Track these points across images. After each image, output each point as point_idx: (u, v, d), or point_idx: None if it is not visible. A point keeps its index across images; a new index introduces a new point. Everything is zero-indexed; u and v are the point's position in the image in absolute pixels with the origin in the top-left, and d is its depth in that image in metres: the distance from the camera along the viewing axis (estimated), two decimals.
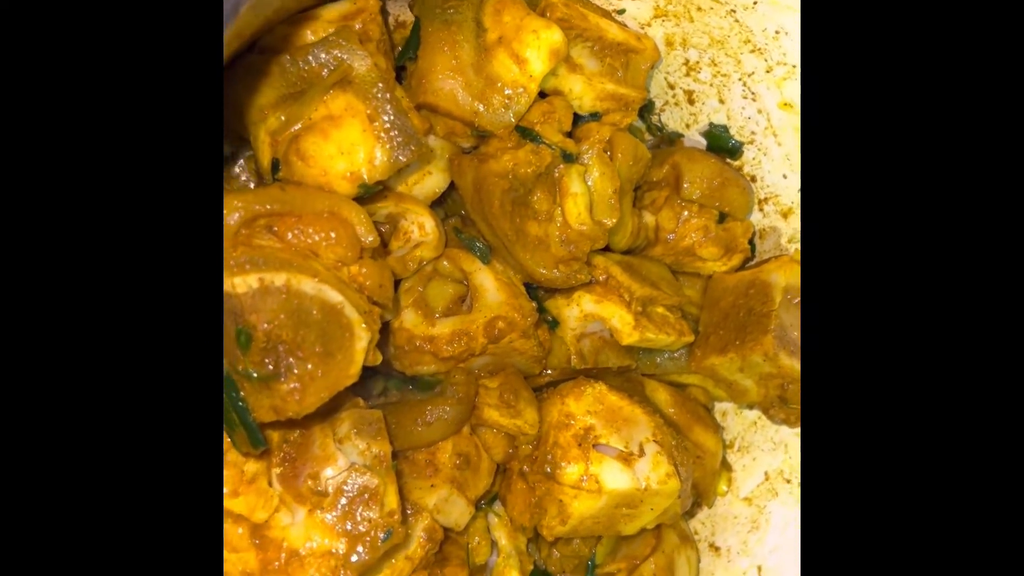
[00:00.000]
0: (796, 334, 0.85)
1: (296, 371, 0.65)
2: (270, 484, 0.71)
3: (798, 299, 0.87)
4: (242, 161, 0.80)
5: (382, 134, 0.70)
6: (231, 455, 0.72)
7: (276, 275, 0.64)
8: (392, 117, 0.70)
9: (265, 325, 0.63)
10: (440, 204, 0.86)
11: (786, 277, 0.87)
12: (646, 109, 0.96)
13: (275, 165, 0.71)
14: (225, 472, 0.71)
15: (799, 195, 0.91)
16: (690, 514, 0.99)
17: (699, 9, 0.82)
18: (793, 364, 0.83)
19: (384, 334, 0.81)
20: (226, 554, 0.69)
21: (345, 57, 0.71)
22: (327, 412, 0.73)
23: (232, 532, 0.69)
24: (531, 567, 0.89)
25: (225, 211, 0.65)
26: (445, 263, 0.82)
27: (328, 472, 0.71)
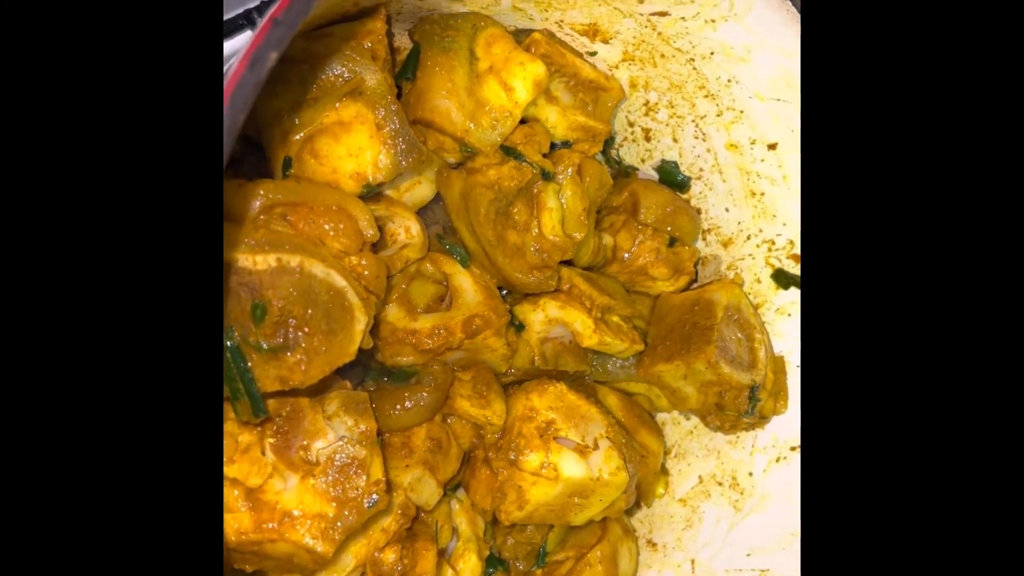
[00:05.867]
0: (734, 347, 0.96)
1: (303, 344, 0.71)
2: (263, 454, 0.77)
3: (736, 316, 0.98)
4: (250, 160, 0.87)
5: (388, 140, 0.78)
6: (227, 426, 0.77)
7: (292, 257, 0.71)
8: (397, 126, 0.79)
9: (279, 301, 0.70)
10: (422, 213, 0.94)
11: (727, 297, 0.98)
12: (607, 143, 1.06)
13: (287, 162, 0.79)
14: None
15: (738, 227, 1.02)
16: (630, 513, 1.08)
17: (662, 56, 0.94)
18: (731, 373, 0.94)
19: None
20: None
21: (358, 70, 0.79)
22: (317, 392, 0.80)
23: (228, 495, 0.74)
24: (488, 553, 0.96)
25: (249, 197, 0.72)
26: (428, 265, 0.90)
27: (319, 444, 0.77)
